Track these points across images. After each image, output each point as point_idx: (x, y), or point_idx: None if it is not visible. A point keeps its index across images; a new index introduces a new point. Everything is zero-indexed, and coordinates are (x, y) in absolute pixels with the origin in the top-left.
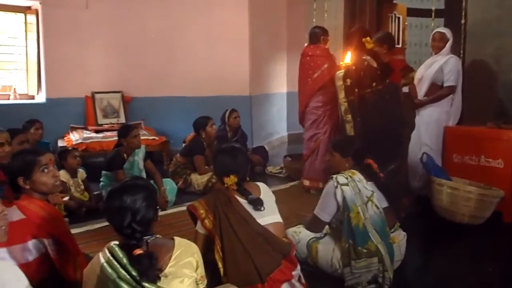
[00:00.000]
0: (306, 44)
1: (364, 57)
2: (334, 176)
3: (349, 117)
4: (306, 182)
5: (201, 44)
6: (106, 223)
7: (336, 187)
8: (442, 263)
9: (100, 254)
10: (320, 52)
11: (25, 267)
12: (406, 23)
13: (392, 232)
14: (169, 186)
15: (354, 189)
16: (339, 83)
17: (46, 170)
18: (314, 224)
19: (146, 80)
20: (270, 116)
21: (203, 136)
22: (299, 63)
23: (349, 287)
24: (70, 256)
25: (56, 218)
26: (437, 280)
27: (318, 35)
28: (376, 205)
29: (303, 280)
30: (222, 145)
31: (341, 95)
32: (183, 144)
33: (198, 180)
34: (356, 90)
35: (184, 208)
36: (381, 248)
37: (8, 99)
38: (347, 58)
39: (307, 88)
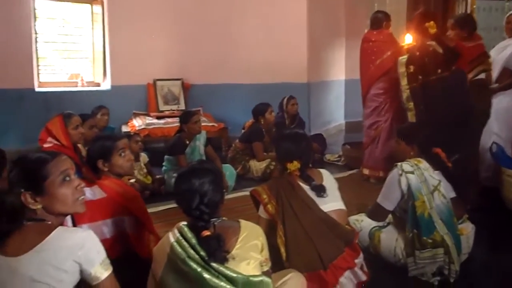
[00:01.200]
0: (367, 30)
1: (428, 43)
2: (399, 163)
3: (411, 104)
4: (366, 171)
5: (260, 31)
6: (169, 206)
7: (401, 175)
8: (510, 259)
9: (170, 234)
10: (384, 38)
11: (103, 243)
12: (475, 6)
13: (460, 224)
14: (229, 172)
15: (420, 177)
16: (402, 69)
17: (123, 154)
18: (377, 213)
19: (205, 67)
20: (328, 103)
21: (262, 122)
22: (360, 49)
23: (413, 277)
24: (146, 234)
25: (134, 196)
26: (504, 277)
27: (381, 20)
28: (443, 195)
29: (365, 269)
30: (284, 131)
31: (404, 82)
32: (242, 131)
33: (257, 166)
34: (420, 77)
35: (243, 193)
36: (447, 239)
37: (76, 86)
38: (408, 39)
39: (369, 75)
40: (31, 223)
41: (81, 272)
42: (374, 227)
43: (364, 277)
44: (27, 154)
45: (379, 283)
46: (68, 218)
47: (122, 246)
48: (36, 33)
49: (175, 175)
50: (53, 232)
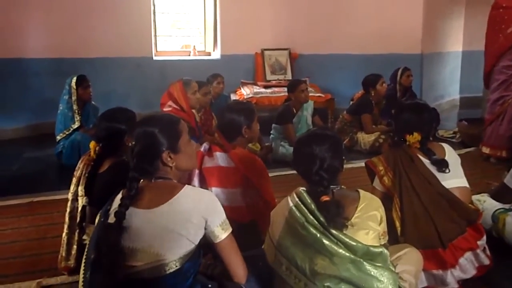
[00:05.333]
0: None
1: None
2: None
3: None
4: (486, 150)
5: None
6: (276, 173)
7: None
8: None
9: (289, 198)
10: None
11: (230, 210)
12: None
13: None
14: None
15: None
16: None
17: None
18: (504, 194)
19: (313, 37)
20: (442, 76)
21: (372, 94)
22: (489, 16)
23: None
24: (268, 206)
25: (261, 172)
26: None
27: None
28: None
29: (488, 252)
30: (398, 104)
31: None
32: (351, 102)
33: (365, 139)
34: None
35: (350, 165)
36: None
37: (188, 55)
38: None
39: (497, 45)
40: (160, 181)
41: (205, 228)
42: (499, 209)
43: (486, 261)
44: (157, 116)
45: (503, 269)
46: (195, 180)
47: (246, 214)
48: (153, 5)
49: (282, 143)
50: (182, 189)
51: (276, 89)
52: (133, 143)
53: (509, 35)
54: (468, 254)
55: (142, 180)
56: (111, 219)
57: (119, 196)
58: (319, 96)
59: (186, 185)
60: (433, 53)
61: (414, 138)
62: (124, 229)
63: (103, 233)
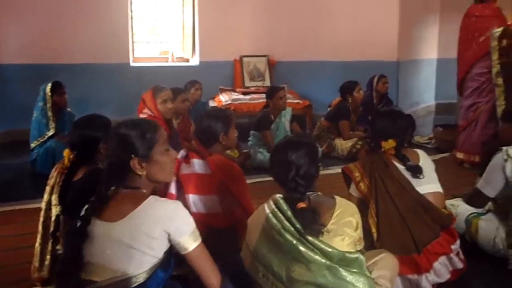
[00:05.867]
0: (469, 5)
1: None
2: (504, 148)
3: (500, 80)
4: (460, 155)
5: (348, 7)
6: (254, 180)
7: (506, 160)
8: None
9: (265, 205)
10: (490, 12)
11: (208, 217)
12: None
13: None
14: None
15: None
16: (494, 43)
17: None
18: (476, 199)
19: (291, 44)
20: (418, 83)
21: (350, 101)
22: (461, 24)
23: None
24: (245, 212)
25: (239, 179)
26: None
27: None
28: None
29: (462, 256)
30: (375, 110)
31: (494, 56)
32: (328, 109)
33: (343, 145)
34: None
35: (327, 172)
36: None
37: (167, 62)
38: None
39: (470, 53)
40: (127, 191)
41: (170, 241)
42: (472, 213)
43: (460, 265)
44: (137, 119)
45: (476, 273)
46: (172, 186)
47: (223, 220)
48: (131, 11)
49: (260, 150)
50: (145, 201)
51: (254, 95)
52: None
53: (482, 43)
54: (442, 259)
55: (112, 188)
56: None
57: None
58: (297, 102)
59: (151, 196)
60: (408, 60)
61: (389, 144)
62: (87, 239)
63: (67, 241)
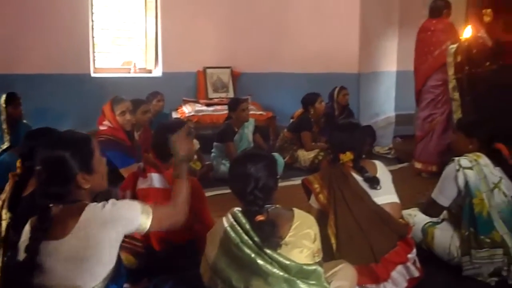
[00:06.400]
0: (424, 19)
1: (479, 34)
2: (456, 158)
3: (456, 95)
4: (418, 165)
5: (311, 20)
6: (217, 192)
7: (458, 170)
8: None
9: (224, 219)
10: (443, 27)
11: (167, 232)
12: None
13: None
14: (277, 161)
15: (479, 173)
16: (450, 59)
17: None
18: (431, 208)
19: (254, 56)
20: (378, 95)
21: (311, 112)
22: (417, 38)
23: (468, 277)
24: (205, 226)
25: (197, 193)
26: None
27: (441, 8)
28: (504, 193)
29: (418, 264)
30: (338, 121)
31: (450, 71)
32: (291, 120)
33: (305, 156)
34: (467, 68)
35: (290, 183)
36: (507, 239)
37: (129, 72)
38: (467, 32)
39: (426, 66)
40: (68, 205)
41: (126, 233)
42: (428, 222)
43: (417, 273)
44: (64, 136)
45: (432, 281)
46: None
47: (182, 235)
48: (92, 21)
49: (223, 161)
50: (85, 210)
51: (218, 107)
52: (39, 168)
53: (437, 57)
54: (400, 268)
55: (51, 205)
56: (21, 255)
57: (28, 227)
58: (260, 114)
59: (89, 204)
60: (369, 72)
61: (347, 157)
62: (36, 266)
63: (13, 273)
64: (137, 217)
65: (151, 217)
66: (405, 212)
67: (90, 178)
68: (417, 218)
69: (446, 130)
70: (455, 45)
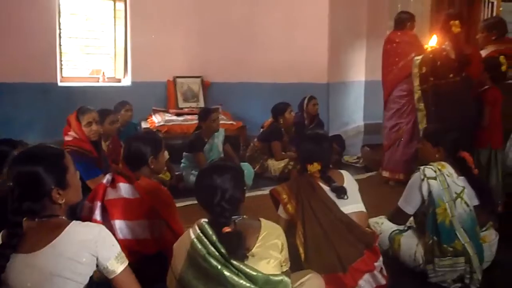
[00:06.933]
0: (390, 31)
1: (443, 46)
2: (422, 167)
3: (421, 105)
4: (386, 173)
5: (280, 30)
6: (186, 203)
7: (423, 180)
8: None
9: (190, 230)
10: (408, 39)
11: (135, 243)
12: (501, 9)
13: (483, 231)
14: (246, 171)
15: (443, 183)
16: (415, 70)
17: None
18: (398, 216)
19: (225, 65)
20: (347, 104)
21: (281, 122)
22: (383, 50)
23: (433, 284)
24: (176, 237)
25: (168, 202)
26: None
27: (405, 20)
28: (466, 203)
29: (384, 272)
30: (306, 132)
31: (416, 82)
32: (261, 130)
33: (275, 165)
34: (431, 79)
35: (260, 192)
36: (468, 248)
37: (97, 81)
38: (433, 41)
39: (392, 77)
40: (44, 220)
41: (97, 265)
42: (395, 230)
43: (383, 281)
44: (37, 151)
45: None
46: (97, 213)
47: (155, 245)
48: (60, 29)
49: (193, 172)
50: (68, 227)
51: (188, 116)
52: (11, 183)
53: (402, 68)
54: (367, 276)
55: (24, 220)
56: None
57: None
58: (231, 123)
59: (73, 222)
60: (338, 82)
61: (314, 168)
62: (5, 279)
63: None
64: (114, 253)
65: (124, 265)
66: (373, 220)
67: (65, 192)
68: (384, 225)
69: (412, 139)
70: (420, 57)
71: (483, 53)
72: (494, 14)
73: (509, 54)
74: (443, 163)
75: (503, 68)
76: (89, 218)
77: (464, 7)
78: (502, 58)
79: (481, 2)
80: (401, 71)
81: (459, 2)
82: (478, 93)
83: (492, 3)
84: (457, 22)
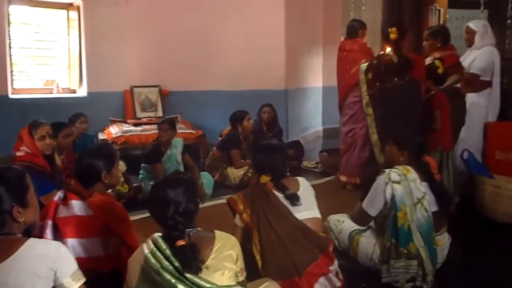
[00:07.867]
0: (343, 38)
1: (386, 52)
2: (387, 170)
3: (370, 110)
4: (343, 178)
5: (237, 38)
6: (146, 215)
7: (387, 183)
8: (483, 264)
9: (144, 245)
10: (358, 47)
11: (89, 260)
12: (447, 16)
13: (437, 235)
14: (206, 180)
15: (406, 188)
16: (362, 76)
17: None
18: (361, 217)
19: (183, 74)
20: (306, 110)
21: (240, 130)
22: (337, 57)
23: (386, 284)
24: (131, 252)
25: (122, 218)
26: (478, 282)
27: (356, 28)
28: (425, 208)
29: (340, 276)
30: (260, 141)
31: (363, 88)
32: (220, 138)
33: (234, 173)
34: (377, 84)
35: (220, 201)
36: (422, 252)
37: (51, 93)
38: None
39: (344, 83)
40: (1, 237)
41: (54, 281)
42: (355, 230)
43: (338, 284)
44: (2, 171)
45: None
46: (48, 231)
47: (110, 263)
48: (10, 39)
49: (151, 183)
50: (26, 242)
51: (146, 126)
52: None
53: (353, 75)
54: (322, 279)
55: None
56: None
57: None
58: (190, 132)
59: (30, 238)
60: (296, 88)
61: (264, 179)
62: None
63: None
64: (71, 270)
65: (80, 283)
66: (334, 218)
67: (24, 211)
68: (344, 224)
69: (366, 144)
70: (365, 64)
71: (429, 60)
72: (442, 21)
73: (451, 60)
74: (408, 167)
75: (440, 70)
76: (40, 236)
77: (412, 14)
78: (437, 62)
79: (428, 10)
80: (352, 78)
81: (407, 9)
82: (427, 99)
83: (439, 10)
84: (393, 29)
